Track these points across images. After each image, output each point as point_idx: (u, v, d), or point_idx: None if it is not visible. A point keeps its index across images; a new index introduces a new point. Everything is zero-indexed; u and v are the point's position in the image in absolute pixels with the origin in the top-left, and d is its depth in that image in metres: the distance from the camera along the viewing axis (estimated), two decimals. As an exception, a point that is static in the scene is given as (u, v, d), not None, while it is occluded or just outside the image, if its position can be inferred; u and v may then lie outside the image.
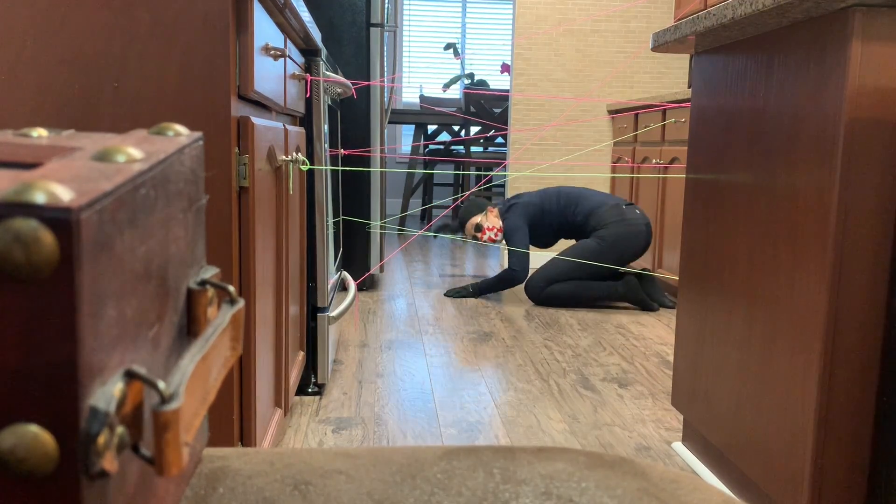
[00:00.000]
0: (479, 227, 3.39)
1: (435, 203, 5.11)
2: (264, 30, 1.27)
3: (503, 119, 5.34)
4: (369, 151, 3.27)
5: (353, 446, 0.85)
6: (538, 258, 4.27)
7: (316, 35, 1.81)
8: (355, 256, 3.37)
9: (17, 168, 0.35)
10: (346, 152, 3.19)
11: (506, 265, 4.21)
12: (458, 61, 7.07)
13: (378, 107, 3.27)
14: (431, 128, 6.19)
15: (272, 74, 1.36)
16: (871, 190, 1.15)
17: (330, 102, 2.29)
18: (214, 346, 0.38)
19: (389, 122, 5.55)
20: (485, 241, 3.35)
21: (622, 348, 2.63)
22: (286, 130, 1.55)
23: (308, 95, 1.95)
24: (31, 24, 1.07)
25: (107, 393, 0.29)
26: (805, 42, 1.25)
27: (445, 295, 3.41)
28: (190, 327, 0.43)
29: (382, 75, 3.30)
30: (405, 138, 7.15)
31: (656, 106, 3.55)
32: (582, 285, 3.24)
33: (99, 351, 0.29)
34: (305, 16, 1.58)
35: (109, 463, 0.29)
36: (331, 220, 2.22)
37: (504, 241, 3.32)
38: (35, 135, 0.40)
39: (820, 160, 1.20)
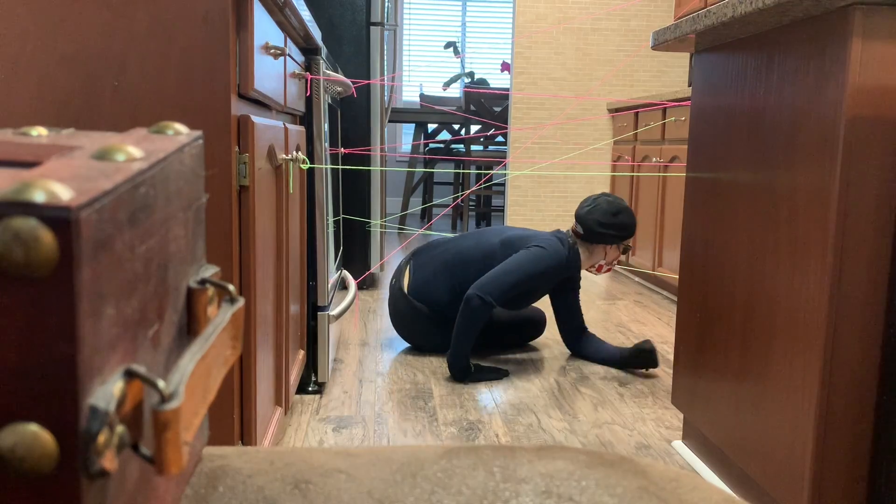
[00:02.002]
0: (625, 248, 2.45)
1: (435, 202, 5.11)
2: (264, 28, 1.27)
3: (503, 118, 5.34)
4: (369, 150, 3.27)
5: (353, 445, 0.85)
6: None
7: (316, 34, 1.81)
8: (355, 255, 3.37)
9: (16, 167, 0.35)
10: (347, 151, 3.18)
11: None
12: (459, 60, 7.07)
13: (378, 105, 3.27)
14: (431, 126, 6.19)
15: (272, 73, 1.36)
16: (871, 189, 1.15)
17: (330, 101, 2.29)
18: (214, 345, 0.38)
19: (389, 121, 5.55)
20: (594, 271, 2.48)
21: (622, 346, 2.62)
22: (286, 129, 1.55)
23: (308, 94, 1.95)
24: (32, 23, 1.07)
25: (107, 392, 0.29)
26: (805, 40, 1.25)
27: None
28: (190, 326, 0.42)
29: (382, 74, 3.30)
30: (405, 137, 7.15)
31: (656, 104, 3.55)
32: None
33: (99, 350, 0.29)
34: (305, 14, 1.58)
35: (109, 462, 0.29)
36: (331, 219, 2.22)
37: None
38: (35, 133, 0.40)
39: (820, 159, 1.20)
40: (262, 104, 1.40)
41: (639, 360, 2.33)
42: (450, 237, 2.51)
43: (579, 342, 2.47)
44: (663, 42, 1.66)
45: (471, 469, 0.43)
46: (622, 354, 2.37)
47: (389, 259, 4.38)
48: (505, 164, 5.40)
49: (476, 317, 2.18)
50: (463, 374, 2.20)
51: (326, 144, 2.10)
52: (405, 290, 2.46)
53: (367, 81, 3.21)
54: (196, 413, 0.34)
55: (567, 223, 4.47)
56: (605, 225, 2.38)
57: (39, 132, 0.41)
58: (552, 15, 4.34)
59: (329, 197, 2.16)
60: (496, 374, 2.24)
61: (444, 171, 6.21)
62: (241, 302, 0.43)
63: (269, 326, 1.41)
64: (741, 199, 1.47)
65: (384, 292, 3.46)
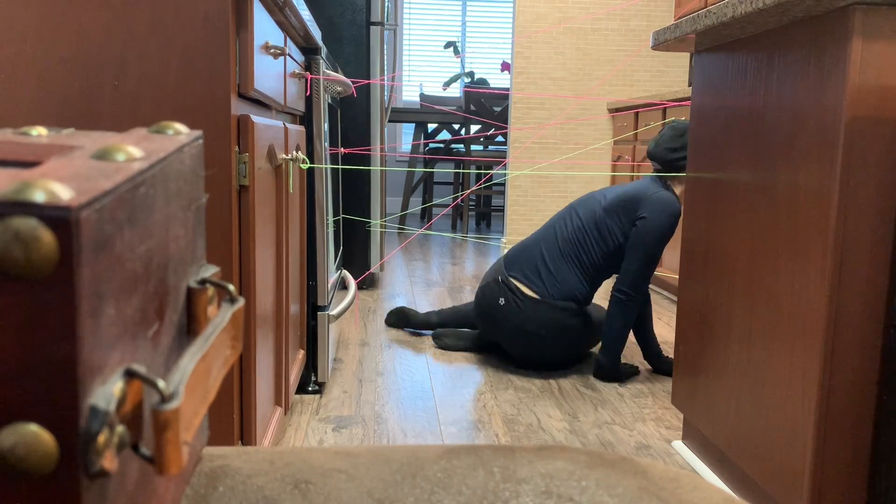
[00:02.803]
0: None
1: (435, 202, 5.11)
2: (264, 28, 1.27)
3: (503, 117, 5.34)
4: (369, 150, 3.27)
5: (353, 445, 0.85)
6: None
7: (316, 33, 1.81)
8: (355, 255, 3.37)
9: (16, 167, 0.35)
10: (347, 151, 3.19)
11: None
12: (459, 59, 7.07)
13: (378, 105, 3.27)
14: (431, 126, 6.19)
15: (272, 73, 1.36)
16: (871, 188, 1.15)
17: (330, 101, 2.29)
18: (214, 344, 0.38)
19: (389, 121, 5.55)
20: None
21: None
22: (286, 129, 1.55)
23: (308, 94, 1.95)
24: (31, 23, 1.07)
25: (107, 392, 0.29)
26: (805, 40, 1.25)
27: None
28: (190, 326, 0.42)
29: (382, 74, 3.30)
30: (405, 137, 7.15)
31: (657, 104, 3.55)
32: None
33: (99, 350, 0.29)
34: (305, 14, 1.58)
35: (109, 462, 0.29)
36: (331, 219, 2.22)
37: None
38: (35, 133, 0.40)
39: (820, 159, 1.20)
40: (262, 104, 1.40)
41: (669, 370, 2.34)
42: (535, 235, 2.38)
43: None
44: (663, 42, 1.66)
45: (471, 469, 0.43)
46: (659, 355, 2.35)
47: (389, 259, 4.38)
48: (505, 164, 5.40)
49: (630, 316, 2.19)
50: (619, 374, 2.23)
51: (326, 144, 2.10)
52: (539, 297, 2.24)
53: (367, 81, 3.21)
54: (196, 413, 0.34)
55: (567, 223, 4.47)
56: (677, 149, 2.28)
57: (39, 132, 0.41)
58: (552, 15, 4.34)
59: (329, 197, 2.16)
60: (634, 371, 2.29)
61: (444, 170, 6.21)
62: (241, 302, 0.43)
63: (269, 326, 1.41)
64: (741, 199, 1.47)
65: (384, 292, 3.46)
